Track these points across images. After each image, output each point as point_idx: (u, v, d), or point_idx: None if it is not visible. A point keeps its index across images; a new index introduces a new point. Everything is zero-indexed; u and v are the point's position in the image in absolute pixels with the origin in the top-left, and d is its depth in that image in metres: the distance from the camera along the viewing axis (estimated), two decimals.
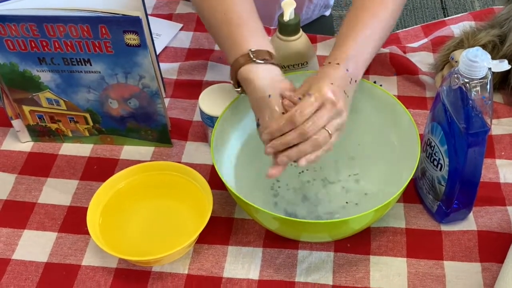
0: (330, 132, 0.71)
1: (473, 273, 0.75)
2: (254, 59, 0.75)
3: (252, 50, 0.76)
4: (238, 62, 0.76)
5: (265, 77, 0.75)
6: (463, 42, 0.96)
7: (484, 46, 0.93)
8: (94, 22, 0.77)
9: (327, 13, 1.30)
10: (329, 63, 0.77)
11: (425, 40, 1.10)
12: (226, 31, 0.80)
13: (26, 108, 0.89)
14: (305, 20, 1.25)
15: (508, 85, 0.96)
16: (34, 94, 0.87)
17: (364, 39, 0.79)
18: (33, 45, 0.80)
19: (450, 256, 0.77)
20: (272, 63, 0.76)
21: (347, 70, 0.75)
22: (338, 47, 0.78)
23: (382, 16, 0.81)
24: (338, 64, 0.75)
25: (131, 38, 0.78)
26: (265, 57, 0.76)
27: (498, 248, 0.77)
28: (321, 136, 0.71)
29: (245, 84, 0.76)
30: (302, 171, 0.86)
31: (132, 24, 0.77)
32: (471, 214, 0.81)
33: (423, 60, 1.04)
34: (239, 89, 0.79)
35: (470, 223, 0.81)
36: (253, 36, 0.79)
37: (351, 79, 0.76)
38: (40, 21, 0.77)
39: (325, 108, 0.71)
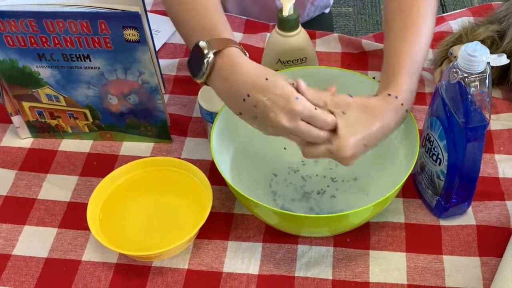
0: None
1: (472, 267, 0.76)
2: (241, 48, 0.71)
3: (235, 41, 0.71)
4: (217, 42, 0.69)
5: (255, 63, 0.70)
6: (462, 38, 0.96)
7: (483, 42, 0.93)
8: (94, 18, 0.77)
9: (327, 10, 1.30)
10: (389, 95, 0.71)
11: None
12: (202, 19, 0.74)
13: (26, 104, 0.89)
14: (305, 18, 1.25)
15: (507, 80, 0.96)
16: (33, 90, 0.87)
17: (416, 66, 0.74)
18: (33, 41, 0.80)
19: (449, 251, 0.78)
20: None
21: (402, 104, 0.71)
22: (393, 74, 0.73)
23: (426, 32, 0.77)
24: (397, 98, 0.71)
25: (131, 34, 0.78)
26: (244, 51, 0.72)
27: (497, 242, 0.78)
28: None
29: (229, 67, 0.69)
30: (301, 167, 0.86)
31: (132, 19, 0.77)
32: (470, 209, 0.82)
33: None
34: (203, 77, 0.70)
35: (469, 218, 0.81)
36: (228, 27, 0.75)
37: (406, 109, 0.72)
38: (39, 17, 0.78)
39: (330, 150, 0.68)
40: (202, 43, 0.70)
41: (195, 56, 0.71)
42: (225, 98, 0.72)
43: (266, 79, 0.67)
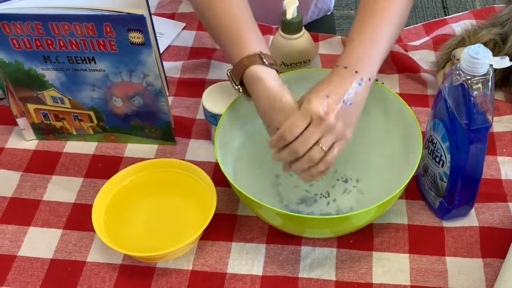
0: (324, 148, 0.71)
1: (475, 268, 0.76)
2: (265, 61, 0.75)
3: (262, 52, 0.76)
4: (246, 61, 0.75)
5: (275, 79, 0.75)
6: (465, 40, 0.96)
7: (485, 44, 0.93)
8: (99, 21, 0.78)
9: (329, 12, 1.31)
10: (337, 66, 0.75)
11: (427, 38, 1.11)
12: (230, 31, 0.79)
13: (31, 106, 0.90)
14: (308, 20, 1.26)
15: (509, 83, 0.96)
16: (39, 93, 0.87)
17: (374, 38, 0.77)
18: (38, 44, 0.81)
19: (452, 252, 0.78)
20: (276, 70, 0.77)
21: (356, 72, 0.73)
22: (346, 50, 0.77)
23: (390, 18, 0.79)
24: (346, 68, 0.74)
25: (136, 37, 0.79)
26: (271, 61, 0.76)
27: (499, 244, 0.78)
28: (315, 153, 0.71)
29: (253, 83, 0.75)
30: None
31: (137, 22, 0.77)
32: (473, 210, 0.82)
33: (424, 58, 1.05)
34: (239, 87, 0.77)
35: (472, 219, 0.81)
36: (259, 40, 0.79)
37: (363, 79, 0.73)
38: (45, 20, 0.78)
39: (313, 124, 0.70)
40: (229, 76, 0.79)
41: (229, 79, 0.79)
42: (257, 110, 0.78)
43: (282, 99, 0.73)
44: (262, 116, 0.76)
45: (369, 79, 0.74)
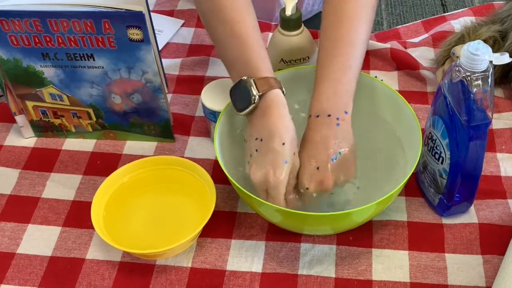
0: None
1: (475, 265, 0.76)
2: (283, 90, 0.76)
3: (276, 79, 0.76)
4: (274, 82, 0.75)
5: (283, 115, 0.74)
6: (464, 37, 0.96)
7: (485, 41, 0.93)
8: (98, 17, 0.77)
9: None
10: (310, 116, 0.75)
11: (426, 35, 1.11)
12: (236, 49, 0.78)
13: (30, 104, 0.89)
14: (305, 15, 1.25)
15: (509, 80, 0.96)
16: (37, 90, 0.87)
17: (342, 72, 0.76)
18: (37, 41, 0.81)
19: (452, 249, 0.78)
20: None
21: (329, 115, 0.74)
22: (314, 94, 0.76)
23: (356, 39, 0.79)
24: (318, 116, 0.75)
25: (134, 33, 0.79)
26: (282, 88, 0.76)
27: (499, 240, 0.78)
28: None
29: (275, 105, 0.74)
30: None
31: (136, 19, 0.77)
32: (472, 207, 0.82)
33: (423, 55, 1.05)
34: (257, 96, 0.74)
35: (471, 216, 0.81)
36: (267, 59, 0.78)
37: (338, 118, 0.74)
38: (43, 17, 0.78)
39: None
40: (249, 82, 0.75)
41: (239, 90, 0.76)
42: (249, 124, 0.77)
43: (283, 143, 0.72)
44: (255, 133, 0.74)
45: (346, 112, 0.75)
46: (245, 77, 0.75)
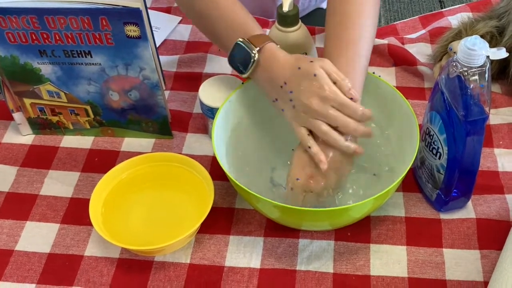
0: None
1: (472, 260, 0.76)
2: (272, 40, 0.78)
3: (267, 35, 0.79)
4: (266, 37, 0.78)
5: (288, 55, 0.77)
6: (461, 33, 0.96)
7: (482, 37, 0.93)
8: (95, 14, 0.77)
9: (324, 5, 1.30)
10: None
11: (423, 31, 1.11)
12: (224, 19, 0.81)
13: (27, 101, 0.89)
14: (301, 12, 1.25)
15: (506, 76, 0.96)
16: (35, 87, 0.87)
17: (356, 59, 0.79)
18: (34, 38, 0.81)
19: (449, 244, 0.78)
20: None
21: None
22: None
23: (367, 33, 0.81)
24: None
25: (132, 30, 0.79)
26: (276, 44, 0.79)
27: (496, 235, 0.78)
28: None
29: (275, 54, 0.76)
30: None
31: (133, 15, 0.77)
32: (470, 202, 0.82)
33: (421, 51, 1.05)
34: (256, 53, 0.77)
35: (469, 211, 0.81)
36: (256, 22, 0.81)
37: None
38: (40, 13, 0.78)
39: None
40: (244, 42, 0.78)
41: (238, 54, 0.79)
42: (264, 85, 0.78)
43: (299, 68, 0.74)
44: (280, 82, 0.75)
45: None
46: (240, 39, 0.78)
